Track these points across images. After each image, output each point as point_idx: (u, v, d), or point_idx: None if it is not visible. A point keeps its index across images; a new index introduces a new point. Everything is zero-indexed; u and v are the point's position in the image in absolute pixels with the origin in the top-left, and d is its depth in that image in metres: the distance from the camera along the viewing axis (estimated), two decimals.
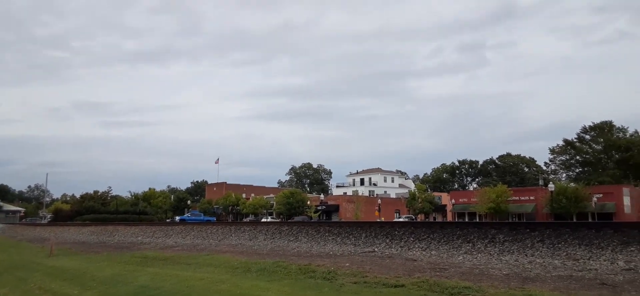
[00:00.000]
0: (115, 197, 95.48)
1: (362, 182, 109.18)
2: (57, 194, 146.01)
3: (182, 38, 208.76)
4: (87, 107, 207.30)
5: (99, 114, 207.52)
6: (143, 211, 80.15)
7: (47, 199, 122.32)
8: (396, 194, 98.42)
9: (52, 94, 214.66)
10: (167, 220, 73.79)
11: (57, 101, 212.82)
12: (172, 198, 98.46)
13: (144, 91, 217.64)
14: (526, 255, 16.95)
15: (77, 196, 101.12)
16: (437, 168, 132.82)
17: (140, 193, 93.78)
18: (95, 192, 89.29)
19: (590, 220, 48.21)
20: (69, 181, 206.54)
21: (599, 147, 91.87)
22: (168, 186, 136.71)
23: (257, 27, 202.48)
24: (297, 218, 61.00)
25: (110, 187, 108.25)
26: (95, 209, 76.87)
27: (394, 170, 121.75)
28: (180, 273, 17.07)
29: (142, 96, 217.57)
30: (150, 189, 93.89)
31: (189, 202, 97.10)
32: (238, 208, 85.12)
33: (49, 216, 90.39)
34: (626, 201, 56.83)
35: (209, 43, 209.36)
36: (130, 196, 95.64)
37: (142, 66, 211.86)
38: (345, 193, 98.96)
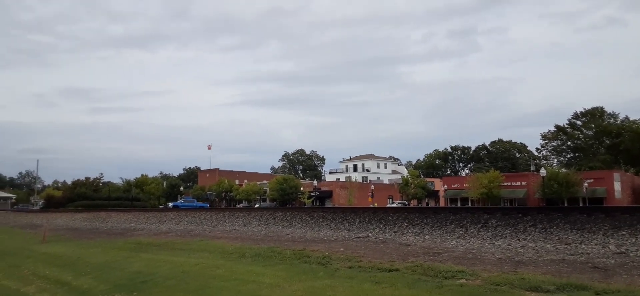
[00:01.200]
0: (107, 183, 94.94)
1: (355, 168, 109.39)
2: (48, 181, 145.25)
3: (169, 23, 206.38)
4: (73, 93, 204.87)
5: (85, 100, 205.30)
6: (135, 198, 79.82)
7: (39, 185, 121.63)
8: (389, 180, 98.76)
9: (38, 80, 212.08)
10: (160, 206, 73.62)
11: (43, 87, 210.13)
12: (165, 184, 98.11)
13: (131, 77, 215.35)
14: (518, 239, 17.11)
15: (69, 182, 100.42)
16: (430, 154, 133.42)
17: (132, 179, 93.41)
18: (87, 178, 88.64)
19: (581, 205, 48.71)
20: (60, 167, 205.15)
21: (590, 133, 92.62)
22: (160, 173, 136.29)
23: (246, 12, 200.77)
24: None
25: (101, 173, 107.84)
26: (87, 196, 76.35)
27: (387, 156, 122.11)
28: (175, 258, 17.07)
29: (130, 81, 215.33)
30: (142, 175, 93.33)
31: (181, 188, 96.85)
32: (231, 194, 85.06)
33: (40, 202, 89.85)
34: (617, 186, 57.44)
35: (196, 28, 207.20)
36: (122, 183, 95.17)
37: (128, 51, 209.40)
38: (338, 179, 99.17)
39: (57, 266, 18.55)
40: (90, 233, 33.24)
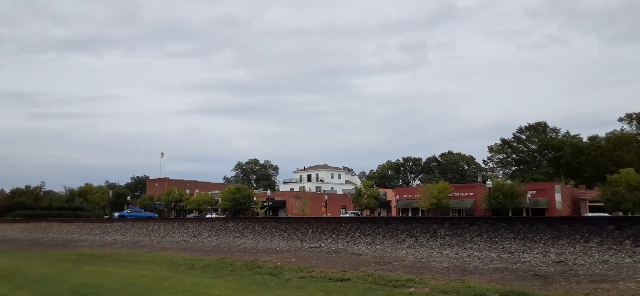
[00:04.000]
0: (49, 192, 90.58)
1: (309, 178, 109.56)
2: None
3: (116, 27, 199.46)
4: (12, 97, 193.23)
5: (26, 105, 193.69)
6: (79, 208, 76.56)
7: None
8: (343, 190, 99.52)
9: None
10: (106, 217, 70.93)
11: None
12: (111, 193, 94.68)
13: (76, 82, 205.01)
14: (465, 248, 17.61)
15: (7, 191, 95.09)
16: (383, 164, 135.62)
17: (75, 188, 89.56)
18: (27, 187, 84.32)
19: (524, 215, 50.76)
20: None
21: (534, 146, 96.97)
22: (106, 182, 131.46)
23: (196, 19, 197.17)
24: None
25: (43, 182, 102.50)
26: (27, 205, 72.53)
27: (341, 167, 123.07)
28: (120, 270, 16.47)
29: (74, 86, 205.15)
30: (86, 184, 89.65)
31: (128, 198, 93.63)
32: (181, 204, 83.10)
33: None
34: (558, 197, 60.29)
35: (145, 33, 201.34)
36: (65, 192, 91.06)
37: (73, 54, 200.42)
38: (292, 189, 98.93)
39: None
40: (30, 244, 31.58)
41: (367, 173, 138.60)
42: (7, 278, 17.34)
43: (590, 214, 50.15)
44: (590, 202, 63.20)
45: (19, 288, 15.08)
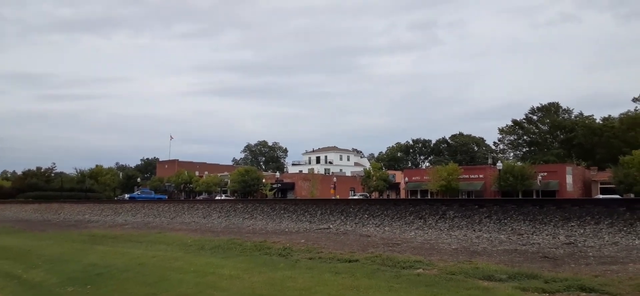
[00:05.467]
0: (60, 174, 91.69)
1: (317, 160, 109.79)
2: None
3: (122, 7, 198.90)
4: (22, 79, 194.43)
5: (35, 87, 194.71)
6: (90, 189, 77.40)
7: None
8: (351, 172, 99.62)
9: None
10: (116, 198, 71.73)
11: None
12: (121, 175, 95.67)
13: (84, 63, 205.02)
14: (474, 230, 17.59)
15: (19, 172, 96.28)
16: (392, 146, 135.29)
17: (86, 169, 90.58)
18: (38, 168, 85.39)
19: (534, 197, 50.54)
20: (8, 157, 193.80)
21: (545, 127, 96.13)
22: (116, 163, 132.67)
23: None
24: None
25: (54, 163, 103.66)
26: (39, 187, 73.46)
27: (350, 148, 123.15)
28: (131, 251, 16.68)
29: (83, 67, 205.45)
30: (97, 166, 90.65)
31: (139, 180, 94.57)
32: (191, 185, 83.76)
33: None
34: (569, 179, 59.92)
35: (151, 12, 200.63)
36: (76, 173, 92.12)
37: (79, 36, 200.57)
38: (301, 171, 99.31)
39: (6, 258, 17.82)
40: (42, 225, 32.05)
41: (376, 154, 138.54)
42: (21, 257, 17.65)
43: (601, 196, 49.83)
44: (601, 184, 62.70)
45: (33, 267, 15.35)
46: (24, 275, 14.45)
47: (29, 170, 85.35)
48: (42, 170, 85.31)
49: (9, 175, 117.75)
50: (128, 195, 69.55)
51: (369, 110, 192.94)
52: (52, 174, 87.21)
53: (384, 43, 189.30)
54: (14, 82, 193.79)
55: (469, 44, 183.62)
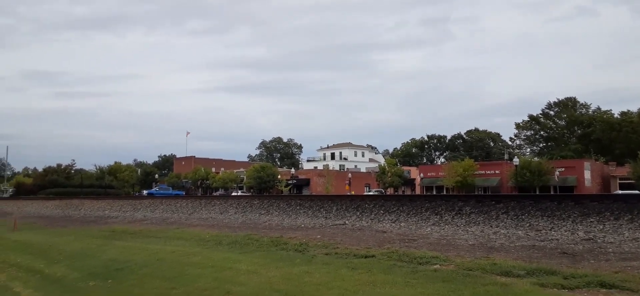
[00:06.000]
0: (80, 171, 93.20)
1: (332, 156, 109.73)
2: (18, 168, 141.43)
3: (135, 5, 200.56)
4: (38, 76, 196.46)
5: (51, 85, 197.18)
6: (109, 185, 78.54)
7: (8, 173, 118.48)
8: (366, 168, 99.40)
9: None
10: (135, 194, 72.65)
11: (4, 70, 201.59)
12: (139, 172, 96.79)
13: (98, 61, 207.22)
14: (491, 226, 17.49)
15: (40, 169, 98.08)
16: (407, 142, 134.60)
17: (105, 166, 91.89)
18: (59, 165, 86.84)
19: (552, 193, 49.95)
20: (30, 154, 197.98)
21: (563, 122, 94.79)
22: (134, 160, 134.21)
23: None
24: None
25: (73, 160, 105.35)
26: (59, 183, 74.75)
27: (364, 144, 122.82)
28: (150, 246, 16.93)
29: (97, 65, 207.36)
30: (116, 162, 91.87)
31: (156, 176, 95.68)
32: (207, 182, 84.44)
33: (10, 190, 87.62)
34: (587, 174, 59.04)
35: (163, 10, 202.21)
36: (95, 170, 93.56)
37: (94, 33, 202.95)
38: (316, 168, 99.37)
39: (29, 254, 18.21)
40: (63, 221, 32.65)
41: (390, 150, 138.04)
42: (43, 253, 18.03)
43: (620, 192, 49.00)
44: (620, 179, 61.67)
45: (55, 262, 15.67)
46: (46, 269, 14.77)
47: (50, 167, 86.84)
48: (62, 167, 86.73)
49: (30, 172, 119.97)
50: (146, 191, 70.44)
51: (380, 106, 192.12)
52: (72, 171, 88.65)
53: (394, 39, 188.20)
54: (30, 80, 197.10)
55: (482, 39, 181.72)
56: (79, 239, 20.86)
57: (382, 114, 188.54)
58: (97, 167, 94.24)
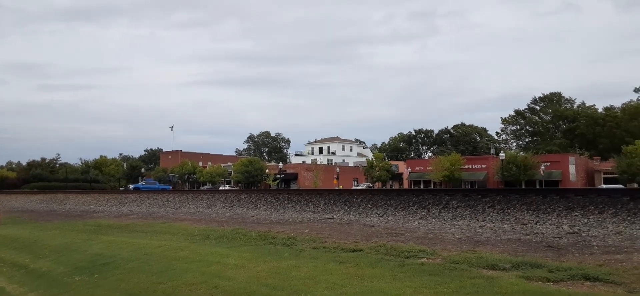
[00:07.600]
0: (65, 164, 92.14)
1: (320, 150, 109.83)
2: (1, 162, 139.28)
3: None
4: (22, 68, 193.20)
5: (35, 77, 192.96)
6: (94, 179, 77.79)
7: None
8: (354, 162, 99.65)
9: None
10: (121, 188, 72.03)
11: None
12: (125, 165, 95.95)
13: (83, 53, 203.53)
14: (478, 220, 17.65)
15: (24, 163, 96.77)
16: (394, 137, 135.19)
17: (91, 160, 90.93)
18: (43, 159, 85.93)
19: (537, 187, 50.53)
20: (12, 148, 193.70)
21: (548, 117, 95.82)
22: (120, 154, 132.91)
23: None
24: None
25: (58, 154, 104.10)
26: (44, 177, 73.86)
27: (352, 139, 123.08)
28: (137, 240, 16.80)
29: (82, 57, 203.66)
30: (101, 156, 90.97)
31: (142, 170, 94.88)
32: (195, 176, 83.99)
33: None
34: (572, 169, 59.79)
35: (150, 2, 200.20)
36: (80, 164, 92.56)
37: (78, 25, 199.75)
38: (304, 162, 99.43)
39: (14, 248, 17.99)
40: (48, 215, 32.27)
41: (378, 145, 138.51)
42: (27, 247, 17.81)
43: (604, 186, 49.74)
44: (604, 173, 62.59)
45: (40, 257, 15.49)
46: (32, 264, 14.60)
47: (34, 161, 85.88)
48: (47, 161, 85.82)
49: (13, 166, 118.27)
50: (132, 185, 69.83)
51: (370, 100, 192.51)
52: (57, 165, 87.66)
53: (383, 33, 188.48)
54: (15, 72, 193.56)
55: (469, 34, 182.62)
56: (65, 234, 20.63)
57: (371, 109, 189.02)
58: (82, 161, 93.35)
